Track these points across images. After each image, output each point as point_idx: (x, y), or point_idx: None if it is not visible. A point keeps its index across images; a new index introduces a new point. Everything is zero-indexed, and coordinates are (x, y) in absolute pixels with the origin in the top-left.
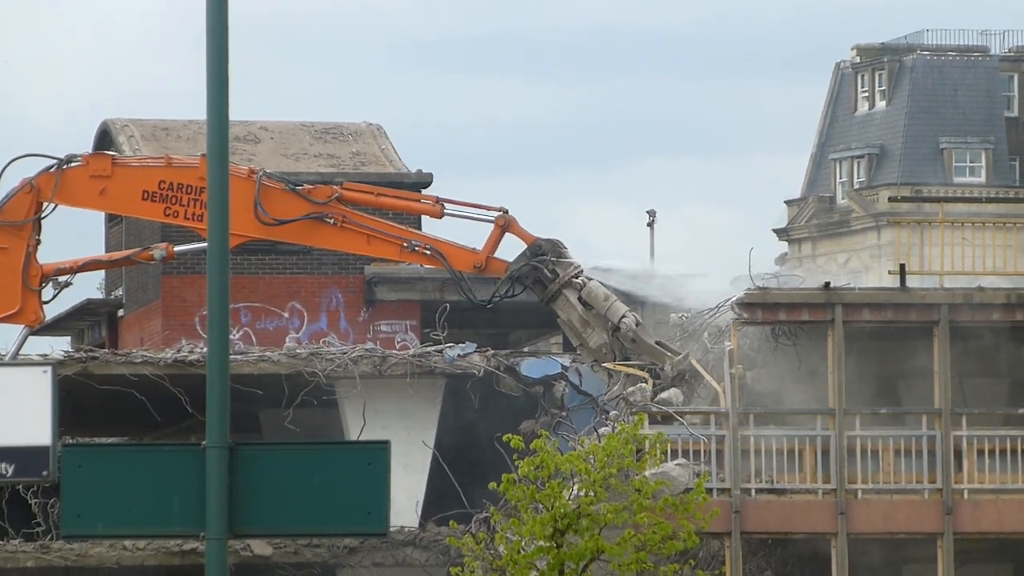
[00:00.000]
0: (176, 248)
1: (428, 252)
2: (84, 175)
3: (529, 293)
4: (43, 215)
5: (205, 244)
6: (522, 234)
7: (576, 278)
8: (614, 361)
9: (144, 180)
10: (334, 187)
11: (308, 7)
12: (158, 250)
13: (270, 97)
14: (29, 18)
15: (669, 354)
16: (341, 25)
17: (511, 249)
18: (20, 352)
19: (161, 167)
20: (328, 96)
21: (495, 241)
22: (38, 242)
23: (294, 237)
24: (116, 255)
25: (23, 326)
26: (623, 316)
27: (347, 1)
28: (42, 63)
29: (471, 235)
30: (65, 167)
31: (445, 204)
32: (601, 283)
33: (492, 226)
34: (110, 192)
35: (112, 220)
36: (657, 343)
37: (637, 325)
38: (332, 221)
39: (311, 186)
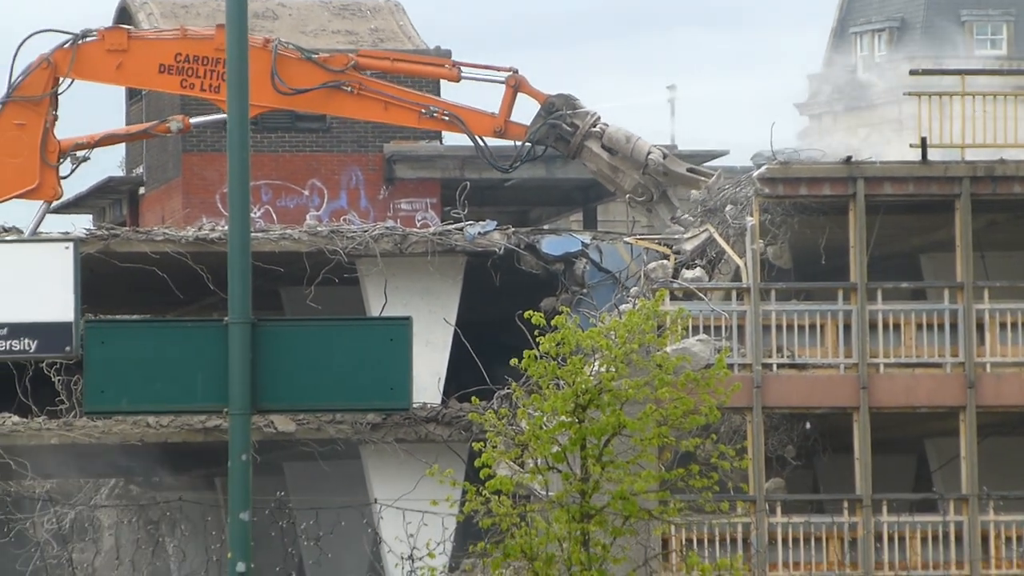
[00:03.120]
0: (192, 120)
1: (447, 118)
2: (100, 49)
3: (547, 167)
4: (60, 90)
5: (221, 116)
6: (534, 93)
7: (595, 127)
8: (651, 200)
9: (160, 53)
10: (350, 55)
11: None
12: (174, 122)
13: None
14: None
15: (703, 178)
16: None
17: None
18: (39, 228)
19: (177, 39)
20: None
21: (509, 102)
22: (55, 118)
23: (311, 106)
24: (133, 128)
25: (42, 202)
26: (649, 152)
27: None
28: None
29: (482, 102)
30: (81, 42)
31: (461, 68)
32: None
33: (504, 88)
34: (126, 66)
35: (132, 96)
36: (689, 169)
37: (665, 157)
38: (349, 89)
39: (327, 54)
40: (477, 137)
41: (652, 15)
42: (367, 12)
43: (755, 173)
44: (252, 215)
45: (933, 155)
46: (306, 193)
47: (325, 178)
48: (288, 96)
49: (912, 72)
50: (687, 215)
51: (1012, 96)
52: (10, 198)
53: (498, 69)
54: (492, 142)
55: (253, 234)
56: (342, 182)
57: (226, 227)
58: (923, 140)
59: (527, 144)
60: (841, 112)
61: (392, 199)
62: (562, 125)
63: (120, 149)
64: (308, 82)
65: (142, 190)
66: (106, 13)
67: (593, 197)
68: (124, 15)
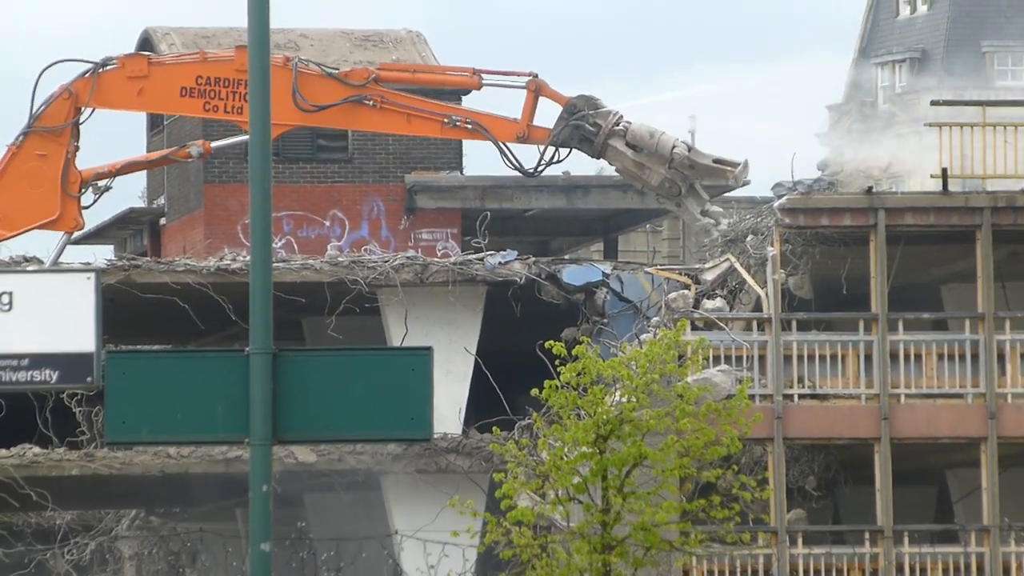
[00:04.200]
0: (213, 144)
1: (469, 126)
2: (121, 77)
3: (568, 197)
4: (81, 120)
5: (241, 138)
6: (555, 96)
7: (618, 125)
8: (679, 194)
9: (181, 76)
10: (371, 69)
11: None
12: (195, 147)
13: (308, 3)
14: None
15: (729, 168)
16: None
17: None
18: (60, 259)
19: (197, 62)
20: (366, 3)
21: (531, 107)
22: (76, 148)
23: (334, 122)
24: (153, 155)
25: (63, 232)
26: (674, 146)
27: None
28: None
29: (502, 110)
30: (101, 70)
31: (482, 75)
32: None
33: (525, 93)
34: (148, 92)
35: (154, 127)
36: (715, 161)
37: (690, 150)
38: (371, 103)
39: (347, 69)
40: (502, 143)
41: (670, 50)
42: (389, 43)
43: (776, 203)
44: (274, 245)
45: (954, 185)
46: (327, 223)
47: (346, 208)
48: (310, 113)
49: (933, 103)
50: (716, 206)
51: None
52: (31, 229)
53: (518, 74)
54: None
55: (275, 264)
56: (363, 212)
57: (247, 257)
58: (944, 171)
59: (551, 147)
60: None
61: (413, 229)
62: (585, 125)
63: (141, 180)
64: (330, 98)
65: (163, 220)
66: (127, 45)
67: (614, 227)
68: (146, 45)
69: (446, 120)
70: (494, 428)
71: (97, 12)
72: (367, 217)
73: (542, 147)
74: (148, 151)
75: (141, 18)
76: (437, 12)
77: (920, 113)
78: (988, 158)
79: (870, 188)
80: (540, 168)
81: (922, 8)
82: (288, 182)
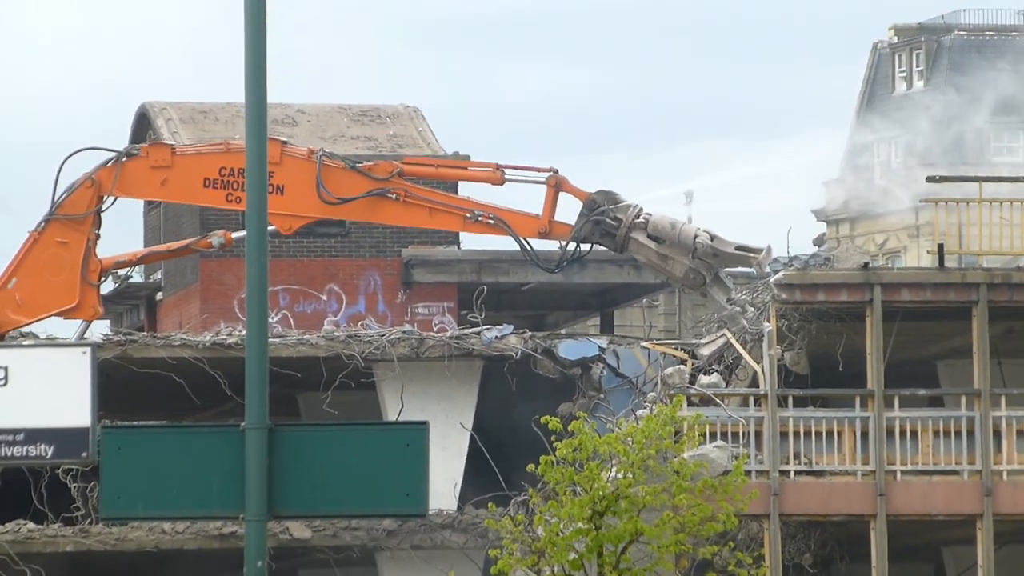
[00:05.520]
0: (234, 235)
1: (491, 221)
2: (144, 166)
3: (564, 271)
4: (103, 208)
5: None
6: (575, 191)
7: (638, 218)
8: (704, 283)
9: (205, 167)
10: (395, 163)
11: None
12: (216, 237)
13: (304, 79)
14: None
15: (753, 255)
16: (374, 4)
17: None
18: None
19: (220, 153)
20: (362, 77)
21: (552, 203)
22: (97, 236)
23: (357, 215)
24: (174, 245)
25: (81, 320)
26: (696, 236)
27: None
28: (81, 44)
29: (521, 202)
30: (125, 159)
31: (505, 171)
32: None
33: (545, 189)
34: (171, 182)
35: (150, 205)
36: (738, 248)
37: (712, 239)
38: (394, 196)
39: (371, 163)
40: (523, 239)
41: (670, 128)
42: (386, 118)
43: (772, 279)
44: (270, 320)
45: (950, 262)
46: (324, 298)
47: (343, 283)
48: (334, 205)
49: (929, 179)
50: (743, 294)
51: None
52: (50, 315)
53: (538, 170)
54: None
55: (271, 339)
56: (360, 287)
57: (243, 332)
58: (940, 247)
59: (573, 244)
60: (857, 218)
61: (410, 303)
62: (606, 220)
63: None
64: (353, 191)
65: (160, 295)
66: (125, 120)
67: (610, 302)
68: (143, 121)
69: (468, 215)
70: (490, 504)
71: (95, 85)
72: (364, 291)
73: (564, 243)
74: (144, 228)
75: (138, 92)
76: (435, 87)
77: (916, 189)
78: (984, 234)
79: (866, 264)
80: (562, 264)
81: (918, 84)
82: (285, 256)
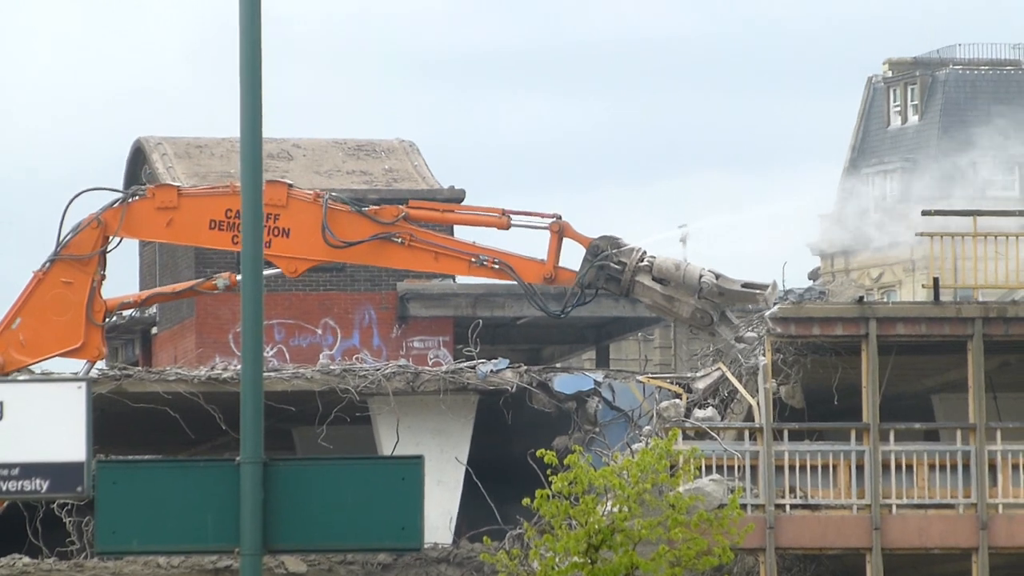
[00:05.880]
0: (239, 276)
1: (497, 266)
2: (150, 207)
3: (559, 305)
4: (109, 249)
5: (270, 272)
6: (578, 237)
7: (642, 261)
8: (712, 323)
9: (210, 209)
10: (400, 207)
11: (333, 24)
12: (221, 280)
13: (300, 113)
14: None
15: (759, 291)
16: (370, 39)
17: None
18: None
19: (226, 195)
20: (358, 112)
21: (556, 248)
22: (103, 277)
23: (362, 258)
24: (179, 287)
25: (85, 361)
26: (701, 276)
27: (372, 15)
28: (75, 79)
29: (522, 245)
30: (131, 200)
31: (511, 216)
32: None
33: (548, 234)
34: (177, 223)
35: (145, 241)
36: (744, 285)
37: (718, 278)
38: (400, 240)
39: (377, 207)
40: (528, 284)
41: (667, 160)
42: (381, 153)
43: (767, 313)
44: (265, 354)
45: (945, 295)
46: (319, 332)
47: (338, 317)
48: (339, 249)
49: (924, 212)
50: (751, 331)
51: None
52: (54, 356)
53: (541, 215)
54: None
55: (266, 373)
56: (355, 321)
57: (239, 367)
58: (935, 280)
59: (577, 286)
60: (853, 251)
61: (405, 337)
62: (610, 265)
63: (133, 288)
64: (359, 235)
65: (155, 330)
66: (120, 154)
67: (605, 336)
68: (139, 156)
69: (473, 259)
70: (485, 538)
71: (89, 126)
72: (359, 326)
73: (569, 288)
74: (139, 263)
75: (133, 128)
76: (430, 121)
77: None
78: (979, 268)
79: (861, 298)
80: (568, 310)
81: (913, 118)
82: (280, 290)
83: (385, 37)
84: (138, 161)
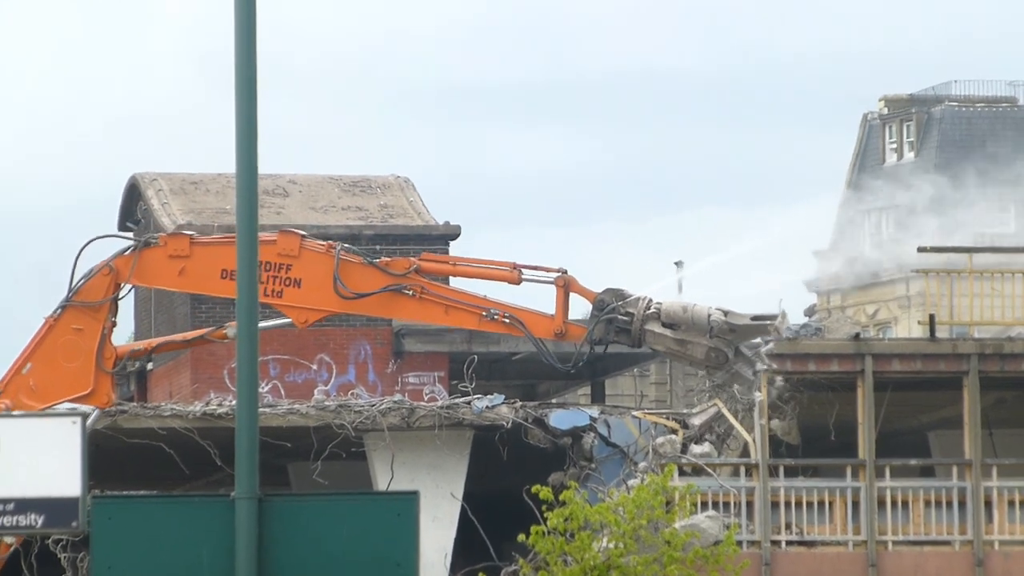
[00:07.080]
0: None
1: (507, 320)
2: (162, 255)
3: (555, 340)
4: (120, 296)
5: (277, 321)
6: (583, 292)
7: (649, 309)
8: (727, 360)
9: (223, 258)
10: (412, 259)
11: (330, 60)
12: (231, 328)
13: (296, 149)
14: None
15: (769, 322)
16: (367, 74)
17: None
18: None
19: None
20: (354, 147)
21: (563, 303)
22: (114, 324)
23: (373, 310)
24: (189, 335)
25: (95, 408)
26: (709, 315)
27: (368, 51)
28: (70, 119)
29: (524, 297)
30: (143, 248)
31: (522, 270)
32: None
33: (555, 289)
34: (189, 271)
35: None
36: (754, 318)
37: (726, 315)
38: (411, 293)
39: (388, 259)
40: (539, 339)
41: (666, 195)
42: (376, 188)
43: (763, 348)
44: (260, 390)
45: (941, 332)
46: (314, 367)
47: (334, 352)
48: (350, 300)
49: (920, 249)
50: (767, 364)
51: (1020, 273)
52: (63, 402)
53: (547, 270)
54: None
55: (261, 409)
56: (350, 356)
57: (233, 402)
58: (931, 317)
59: (587, 342)
60: (848, 288)
61: (400, 373)
62: (618, 317)
63: (129, 324)
64: (369, 286)
65: (150, 366)
66: (116, 190)
67: (600, 371)
68: (134, 192)
69: (484, 313)
70: (480, 574)
71: (83, 158)
72: (354, 361)
73: (580, 344)
74: (135, 301)
75: (128, 164)
76: (427, 156)
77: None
78: (975, 305)
79: (857, 334)
80: (578, 364)
81: (909, 155)
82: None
83: (383, 72)
84: (133, 197)
